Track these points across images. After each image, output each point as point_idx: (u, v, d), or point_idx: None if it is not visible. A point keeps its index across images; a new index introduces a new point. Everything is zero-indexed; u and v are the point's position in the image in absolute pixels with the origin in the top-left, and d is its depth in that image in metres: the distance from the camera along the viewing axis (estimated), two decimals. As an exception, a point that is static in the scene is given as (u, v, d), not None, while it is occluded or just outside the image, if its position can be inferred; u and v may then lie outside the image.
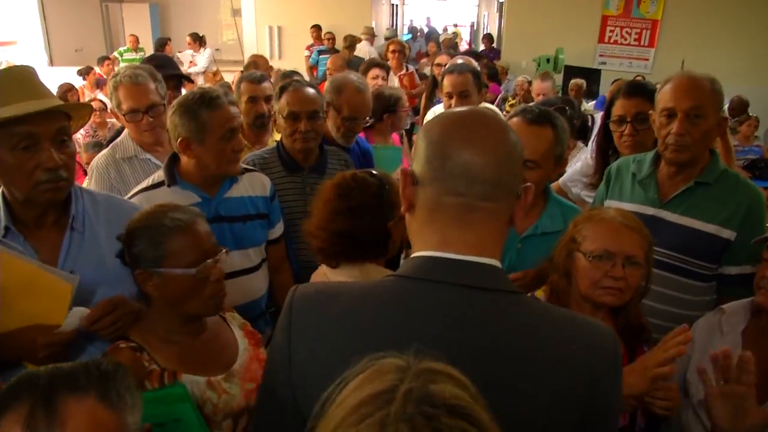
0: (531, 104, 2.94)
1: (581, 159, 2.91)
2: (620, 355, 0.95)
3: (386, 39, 10.83)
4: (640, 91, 2.37)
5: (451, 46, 10.65)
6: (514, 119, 1.94)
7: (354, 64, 6.45)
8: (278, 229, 2.34)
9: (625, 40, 10.33)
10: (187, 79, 3.33)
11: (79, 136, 5.87)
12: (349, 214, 1.62)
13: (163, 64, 3.11)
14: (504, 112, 5.81)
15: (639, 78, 5.15)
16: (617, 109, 2.41)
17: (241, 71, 6.82)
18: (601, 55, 10.40)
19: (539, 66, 9.50)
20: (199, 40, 10.31)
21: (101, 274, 1.60)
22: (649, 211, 2.01)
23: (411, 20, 20.75)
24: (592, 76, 8.96)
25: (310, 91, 2.53)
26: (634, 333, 1.65)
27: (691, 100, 1.87)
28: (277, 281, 2.38)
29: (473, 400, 0.69)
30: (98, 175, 2.40)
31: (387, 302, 0.97)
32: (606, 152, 2.55)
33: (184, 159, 2.06)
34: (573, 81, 6.81)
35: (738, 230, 1.88)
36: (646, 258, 1.58)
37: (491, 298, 0.95)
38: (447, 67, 3.18)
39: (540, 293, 1.74)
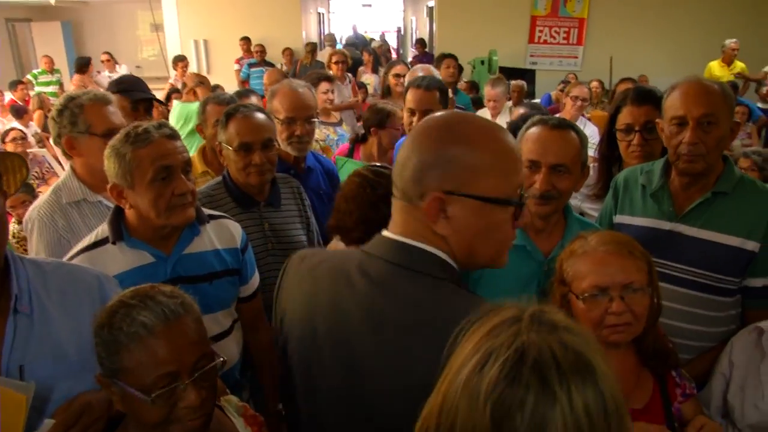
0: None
1: None
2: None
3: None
4: (649, 98, 2.25)
5: (383, 53, 10.56)
6: (534, 129, 1.78)
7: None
8: (252, 285, 2.03)
9: (554, 39, 10.49)
10: (159, 101, 3.03)
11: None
12: (383, 202, 1.54)
13: (130, 88, 2.83)
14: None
15: (596, 82, 4.96)
16: (625, 117, 2.28)
17: (177, 92, 6.58)
18: (532, 55, 10.53)
19: (474, 68, 9.55)
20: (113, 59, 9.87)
21: (60, 367, 1.28)
22: (666, 225, 1.89)
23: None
24: (526, 76, 9.07)
25: (261, 117, 2.24)
26: (659, 359, 1.52)
27: (703, 106, 1.76)
28: (254, 341, 2.07)
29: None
30: (42, 226, 2.03)
31: (336, 266, 1.23)
32: (610, 162, 2.42)
33: (126, 210, 1.74)
34: (514, 83, 6.74)
35: (763, 241, 1.77)
36: (648, 278, 1.45)
37: (396, 272, 1.12)
38: (413, 80, 2.98)
39: None
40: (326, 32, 15.71)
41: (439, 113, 1.20)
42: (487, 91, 5.32)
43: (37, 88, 9.85)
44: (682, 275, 1.83)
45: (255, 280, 2.03)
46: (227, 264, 1.88)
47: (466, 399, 0.76)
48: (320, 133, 4.22)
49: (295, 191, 2.40)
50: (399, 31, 20.15)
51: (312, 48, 9.86)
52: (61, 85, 10.42)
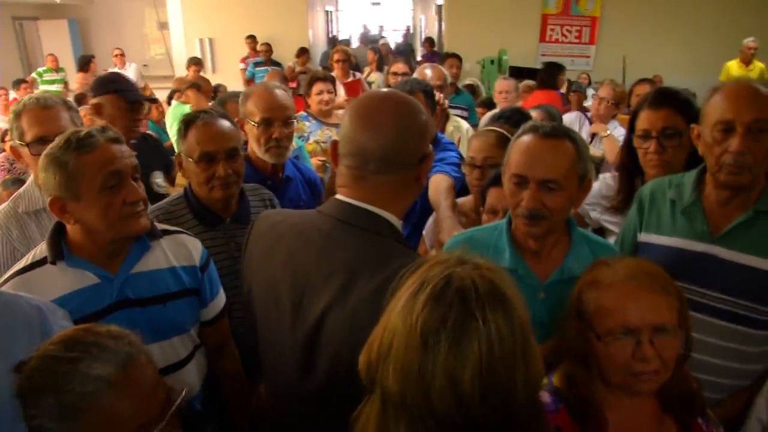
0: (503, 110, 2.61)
1: (598, 178, 2.57)
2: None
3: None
4: (669, 100, 2.01)
5: (390, 51, 10.39)
6: (524, 137, 1.58)
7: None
8: (215, 307, 1.83)
9: (566, 38, 10.29)
10: (151, 100, 2.88)
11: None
12: None
13: (125, 87, 2.67)
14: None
15: (646, 83, 4.60)
16: (642, 122, 2.05)
17: (176, 89, 6.45)
18: (543, 54, 10.28)
19: (484, 68, 9.38)
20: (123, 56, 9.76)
21: None
22: (699, 247, 1.68)
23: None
24: (538, 76, 8.85)
25: (225, 124, 2.03)
26: (683, 404, 1.32)
27: (754, 111, 1.53)
28: (220, 369, 1.89)
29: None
30: None
31: (295, 223, 1.38)
32: (631, 171, 2.18)
33: (68, 226, 1.56)
34: (524, 83, 6.56)
35: None
36: (679, 319, 1.25)
37: (345, 228, 1.27)
38: (395, 85, 2.81)
39: (557, 378, 1.35)
40: (334, 31, 15.58)
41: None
42: (498, 83, 5.05)
43: (42, 87, 9.77)
44: (714, 304, 1.64)
45: (219, 301, 1.84)
46: (184, 283, 1.69)
47: (401, 319, 0.89)
48: (321, 134, 4.06)
49: (267, 204, 2.19)
50: (408, 29, 19.93)
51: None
52: (66, 83, 10.32)
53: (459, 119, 3.91)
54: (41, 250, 1.57)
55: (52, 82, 10.12)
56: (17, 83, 8.85)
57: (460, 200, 2.41)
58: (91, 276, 1.55)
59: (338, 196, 1.33)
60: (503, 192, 1.80)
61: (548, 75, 5.94)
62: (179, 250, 1.71)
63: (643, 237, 1.81)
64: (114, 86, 2.65)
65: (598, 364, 1.26)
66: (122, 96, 2.61)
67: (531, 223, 1.53)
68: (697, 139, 1.69)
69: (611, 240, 2.10)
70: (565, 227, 1.64)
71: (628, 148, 2.16)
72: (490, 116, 4.81)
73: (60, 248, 1.54)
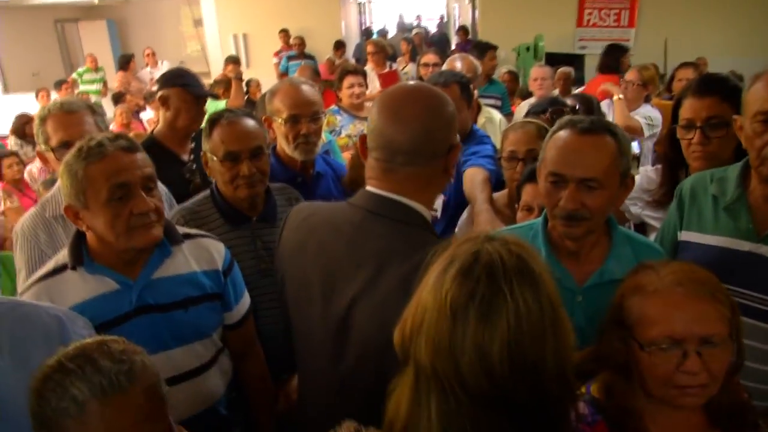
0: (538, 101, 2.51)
1: (638, 172, 2.46)
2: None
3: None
4: (715, 88, 1.89)
5: (425, 42, 10.26)
6: (561, 133, 1.48)
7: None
8: (240, 310, 1.80)
9: (604, 21, 9.95)
10: (213, 95, 2.93)
11: (35, 170, 5.32)
12: None
13: (191, 83, 2.74)
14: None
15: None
16: (685, 111, 1.93)
17: (210, 84, 6.49)
18: (580, 39, 10.03)
19: (519, 56, 9.18)
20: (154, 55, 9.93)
21: (5, 429, 1.12)
22: (744, 246, 1.57)
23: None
24: (575, 62, 8.61)
25: (249, 122, 2.01)
26: (733, 417, 1.22)
27: None
28: (245, 371, 1.86)
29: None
30: (24, 241, 1.90)
31: (326, 216, 1.41)
32: (674, 163, 2.06)
33: (87, 233, 1.56)
34: (560, 70, 6.31)
35: None
36: (730, 330, 1.15)
37: (374, 219, 1.28)
38: (429, 78, 2.73)
39: (596, 388, 1.27)
40: (367, 23, 15.48)
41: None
42: (534, 70, 4.86)
43: (82, 87, 9.98)
44: (762, 306, 1.53)
45: (243, 305, 1.82)
46: (206, 288, 1.67)
47: (432, 295, 0.91)
48: (353, 128, 4.03)
49: (293, 202, 2.15)
50: (441, 18, 19.69)
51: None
52: (105, 83, 10.52)
53: (491, 110, 3.81)
54: (63, 255, 1.56)
55: (92, 81, 10.32)
56: (58, 84, 9.05)
57: (495, 195, 2.33)
58: (111, 282, 1.54)
59: (368, 188, 1.36)
60: (538, 188, 1.74)
61: (610, 58, 5.64)
62: (201, 254, 1.69)
63: (684, 236, 1.71)
64: (181, 80, 2.72)
65: (640, 375, 1.18)
66: (189, 90, 2.69)
67: (569, 224, 1.45)
68: (739, 132, 1.57)
69: (653, 237, 1.99)
70: (604, 226, 1.54)
71: (671, 139, 2.04)
72: (526, 105, 4.70)
73: (80, 254, 1.54)
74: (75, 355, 0.98)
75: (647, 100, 4.62)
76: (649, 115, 4.08)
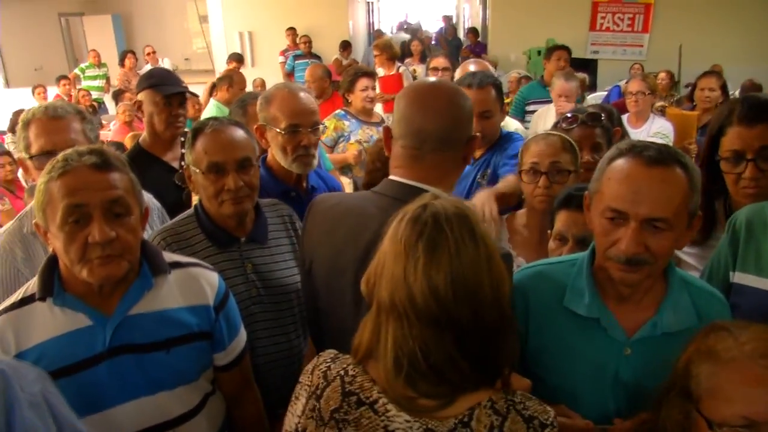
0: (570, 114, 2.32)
1: None
2: None
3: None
4: (766, 114, 1.62)
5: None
6: (622, 162, 1.26)
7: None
8: (234, 349, 1.57)
9: (618, 26, 9.79)
10: (192, 93, 2.74)
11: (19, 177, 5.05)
12: None
13: (160, 82, 2.56)
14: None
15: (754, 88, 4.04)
16: (731, 141, 1.66)
17: (214, 83, 6.27)
18: (593, 44, 9.86)
19: (530, 59, 9.03)
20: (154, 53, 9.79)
21: None
22: None
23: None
24: (588, 66, 8.44)
25: (236, 131, 1.81)
26: None
27: None
28: (238, 415, 1.64)
29: None
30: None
31: (354, 204, 1.53)
32: (710, 195, 1.78)
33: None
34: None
35: None
36: None
37: (400, 206, 1.21)
38: (462, 78, 2.54)
39: None
40: (376, 23, 15.33)
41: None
42: (560, 85, 4.67)
43: (84, 83, 9.81)
44: None
45: (238, 343, 1.59)
46: (191, 327, 1.45)
47: (389, 242, 1.09)
48: (362, 133, 3.85)
49: (286, 220, 1.94)
50: (450, 19, 19.52)
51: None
52: (108, 79, 10.36)
53: (508, 118, 3.65)
54: (34, 283, 1.37)
55: (95, 77, 10.15)
56: (59, 79, 8.87)
57: (516, 214, 2.15)
58: (83, 317, 1.34)
59: (392, 177, 1.45)
60: (574, 216, 1.63)
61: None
62: (190, 287, 1.47)
63: (738, 278, 1.50)
64: (149, 81, 2.55)
65: None
66: (157, 90, 2.51)
67: (628, 269, 1.24)
68: None
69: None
70: (662, 274, 1.33)
71: (707, 169, 1.78)
72: (541, 116, 4.51)
73: (51, 283, 1.34)
74: None
75: (661, 110, 4.43)
76: (666, 134, 3.99)
